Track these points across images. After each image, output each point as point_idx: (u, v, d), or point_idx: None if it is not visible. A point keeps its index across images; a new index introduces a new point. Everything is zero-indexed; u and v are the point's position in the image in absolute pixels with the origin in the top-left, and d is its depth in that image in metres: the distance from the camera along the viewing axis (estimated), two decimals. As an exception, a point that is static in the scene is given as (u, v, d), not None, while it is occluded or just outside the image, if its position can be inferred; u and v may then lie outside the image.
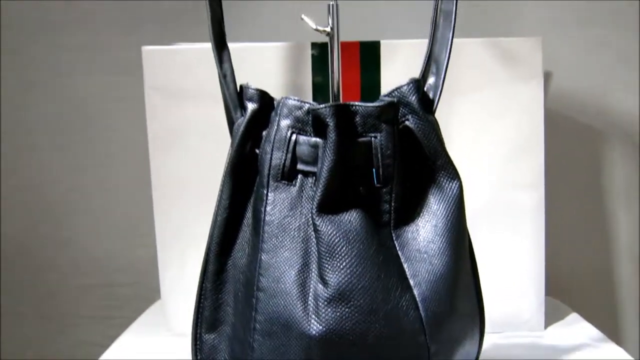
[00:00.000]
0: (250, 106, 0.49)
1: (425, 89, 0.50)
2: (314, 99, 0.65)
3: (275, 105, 0.49)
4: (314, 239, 0.46)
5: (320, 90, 0.65)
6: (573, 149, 0.90)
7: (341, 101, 0.60)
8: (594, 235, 0.92)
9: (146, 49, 0.65)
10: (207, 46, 0.51)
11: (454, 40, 0.49)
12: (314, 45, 0.65)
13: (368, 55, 0.65)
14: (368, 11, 0.85)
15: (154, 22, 0.88)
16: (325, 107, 0.45)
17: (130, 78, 0.83)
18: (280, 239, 0.47)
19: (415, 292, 0.46)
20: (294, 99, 0.48)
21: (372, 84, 0.65)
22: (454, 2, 0.49)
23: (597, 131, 0.90)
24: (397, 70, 0.64)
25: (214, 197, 0.50)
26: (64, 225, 0.94)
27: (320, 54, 0.65)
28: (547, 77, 0.85)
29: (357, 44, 0.65)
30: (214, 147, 0.59)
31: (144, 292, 0.89)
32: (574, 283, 0.91)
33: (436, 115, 0.50)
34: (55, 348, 0.97)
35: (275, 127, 0.48)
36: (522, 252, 0.68)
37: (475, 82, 0.65)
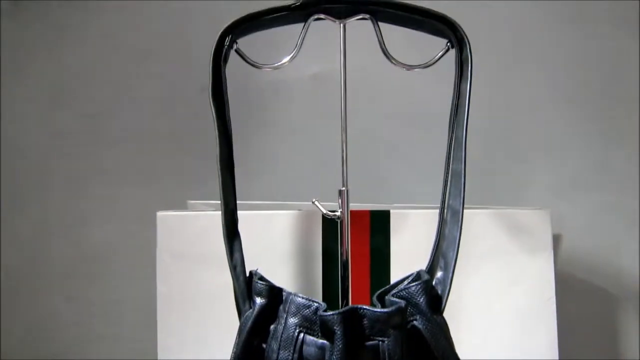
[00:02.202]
0: (259, 301, 0.49)
1: (433, 283, 0.50)
2: (324, 265, 0.66)
3: (284, 300, 0.49)
4: None
5: (330, 256, 0.66)
6: (586, 310, 0.88)
7: (349, 274, 0.60)
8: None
9: (160, 214, 0.67)
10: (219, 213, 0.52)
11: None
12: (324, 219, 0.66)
13: (378, 223, 0.66)
14: (379, 176, 0.88)
15: (170, 177, 0.92)
16: (333, 314, 0.45)
17: (143, 230, 0.85)
18: None
19: None
20: (302, 297, 0.48)
21: (381, 251, 0.66)
22: (461, 200, 0.50)
23: (609, 293, 0.89)
24: (407, 237, 0.65)
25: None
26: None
27: (332, 224, 0.66)
28: (557, 239, 0.85)
29: (367, 213, 0.66)
30: (223, 312, 0.59)
31: None
32: None
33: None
34: None
35: (283, 324, 0.48)
36: None
37: (485, 252, 0.65)
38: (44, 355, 0.96)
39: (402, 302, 0.47)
